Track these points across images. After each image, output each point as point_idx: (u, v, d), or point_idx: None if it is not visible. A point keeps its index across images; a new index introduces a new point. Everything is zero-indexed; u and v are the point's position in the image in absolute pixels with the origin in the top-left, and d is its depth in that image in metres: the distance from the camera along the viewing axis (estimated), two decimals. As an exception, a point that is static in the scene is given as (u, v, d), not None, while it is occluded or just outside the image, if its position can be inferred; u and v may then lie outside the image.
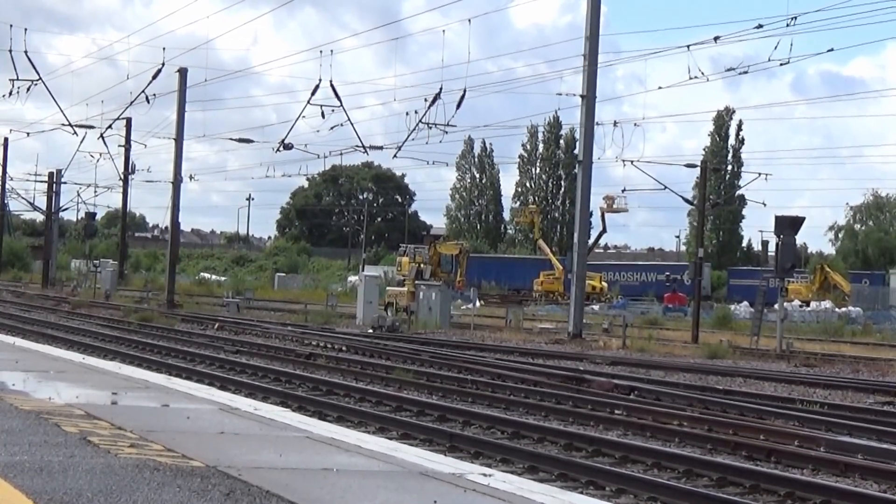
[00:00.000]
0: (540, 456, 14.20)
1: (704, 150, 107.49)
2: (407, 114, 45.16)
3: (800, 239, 39.96)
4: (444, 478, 7.80)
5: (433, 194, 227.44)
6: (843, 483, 13.45)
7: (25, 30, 52.10)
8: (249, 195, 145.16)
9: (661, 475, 13.60)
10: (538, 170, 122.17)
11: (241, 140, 57.68)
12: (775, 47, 34.46)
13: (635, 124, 45.25)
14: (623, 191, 60.73)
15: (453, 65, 65.97)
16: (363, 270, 66.06)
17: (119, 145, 73.40)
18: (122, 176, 76.25)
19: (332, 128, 48.05)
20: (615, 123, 43.96)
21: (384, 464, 8.31)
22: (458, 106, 43.49)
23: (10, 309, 49.38)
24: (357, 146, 49.57)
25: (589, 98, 42.03)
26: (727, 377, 27.96)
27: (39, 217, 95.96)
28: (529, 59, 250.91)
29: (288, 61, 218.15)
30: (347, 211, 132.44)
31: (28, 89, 51.90)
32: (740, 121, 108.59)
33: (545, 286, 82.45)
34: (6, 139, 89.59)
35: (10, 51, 49.15)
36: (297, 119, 48.68)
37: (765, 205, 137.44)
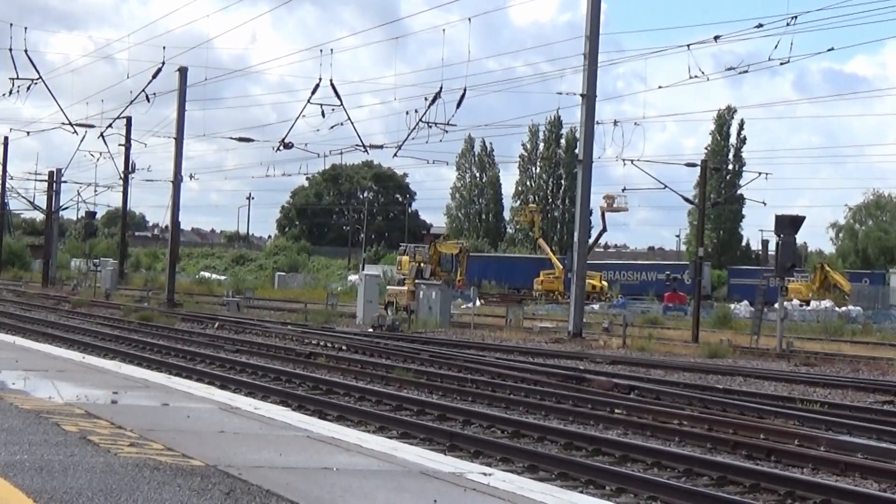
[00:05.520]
0: (540, 455, 14.19)
1: (705, 149, 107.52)
2: (407, 113, 45.23)
3: (800, 238, 39.90)
4: (444, 477, 7.79)
5: (433, 193, 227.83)
6: (843, 482, 13.45)
7: (25, 28, 52.31)
8: (249, 194, 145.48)
9: (661, 474, 13.59)
10: (538, 169, 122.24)
11: (241, 139, 57.65)
12: (775, 46, 34.53)
13: (636, 123, 45.27)
14: (623, 190, 60.73)
15: (453, 63, 66.22)
16: (363, 269, 66.02)
17: (119, 144, 73.56)
18: (122, 175, 76.39)
19: (332, 127, 48.10)
20: (615, 122, 44.03)
21: (384, 463, 8.31)
22: (459, 105, 43.55)
23: (11, 308, 49.38)
24: (357, 145, 49.60)
25: (589, 97, 42.03)
26: (727, 376, 27.95)
27: (39, 216, 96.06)
28: (530, 58, 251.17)
29: (287, 60, 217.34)
30: (347, 210, 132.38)
31: (28, 88, 51.91)
32: (741, 120, 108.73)
33: (545, 285, 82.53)
34: (6, 138, 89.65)
35: (10, 49, 49.18)
36: (298, 118, 48.74)
37: (765, 204, 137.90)
